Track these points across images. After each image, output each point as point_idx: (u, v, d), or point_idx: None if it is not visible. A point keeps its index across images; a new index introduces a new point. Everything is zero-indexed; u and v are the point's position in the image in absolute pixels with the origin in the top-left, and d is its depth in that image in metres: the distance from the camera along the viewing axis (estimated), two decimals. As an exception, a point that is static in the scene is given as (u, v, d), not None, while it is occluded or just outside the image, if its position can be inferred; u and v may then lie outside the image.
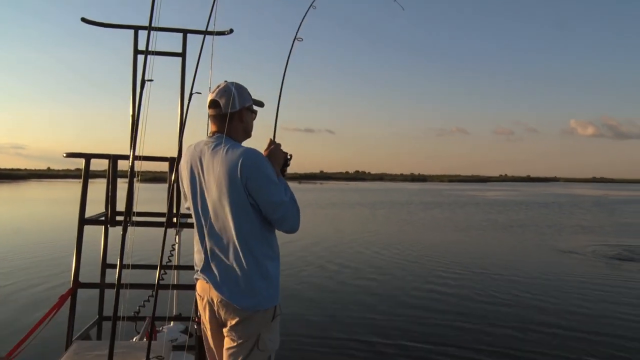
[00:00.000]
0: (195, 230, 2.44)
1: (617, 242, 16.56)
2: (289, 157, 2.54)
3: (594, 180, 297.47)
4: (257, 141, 2.50)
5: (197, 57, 2.60)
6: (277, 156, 2.49)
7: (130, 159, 2.53)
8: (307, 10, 3.27)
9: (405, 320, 7.30)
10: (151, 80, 2.51)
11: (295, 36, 3.12)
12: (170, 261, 3.76)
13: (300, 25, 3.18)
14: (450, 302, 8.47)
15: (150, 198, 7.89)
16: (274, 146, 2.52)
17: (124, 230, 2.50)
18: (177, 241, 4.23)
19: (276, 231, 2.42)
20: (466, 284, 9.94)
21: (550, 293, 9.19)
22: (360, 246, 14.95)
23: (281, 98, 2.54)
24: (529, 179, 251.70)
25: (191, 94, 2.52)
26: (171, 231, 4.24)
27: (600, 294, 9.14)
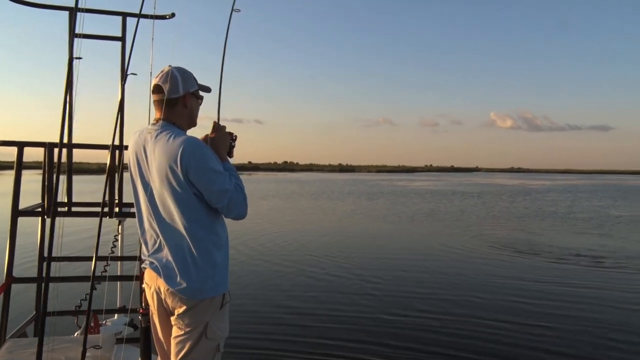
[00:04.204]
0: (138, 219, 2.40)
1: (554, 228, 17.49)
2: (233, 137, 2.52)
3: (512, 170, 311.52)
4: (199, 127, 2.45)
5: (134, 39, 2.51)
6: (222, 140, 2.46)
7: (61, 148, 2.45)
8: None
9: (353, 310, 7.45)
10: (79, 58, 2.42)
11: (233, 7, 3.03)
12: (113, 252, 3.67)
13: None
14: (400, 289, 8.74)
15: (94, 189, 7.62)
16: (218, 129, 2.49)
17: (52, 220, 2.41)
18: (119, 231, 4.12)
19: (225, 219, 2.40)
20: (419, 272, 10.29)
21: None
22: (325, 239, 14.93)
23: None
24: (452, 169, 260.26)
25: (126, 75, 2.44)
26: (115, 221, 4.13)
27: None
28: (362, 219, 20.73)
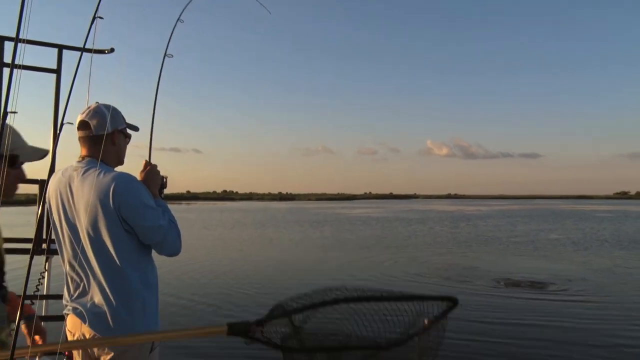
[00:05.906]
0: (62, 261, 2.29)
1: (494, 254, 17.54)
2: (165, 179, 2.48)
3: (449, 196, 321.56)
4: (132, 163, 2.45)
5: (73, 76, 2.29)
6: (154, 178, 2.40)
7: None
8: (175, 26, 3.27)
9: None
10: (15, 112, 2.19)
11: (165, 53, 3.11)
12: (38, 290, 3.38)
13: (169, 41, 3.17)
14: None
15: (13, 221, 6.91)
16: (150, 167, 2.42)
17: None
18: (46, 268, 3.69)
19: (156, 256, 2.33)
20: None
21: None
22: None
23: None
24: (391, 196, 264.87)
25: (62, 124, 2.14)
26: (41, 258, 3.67)
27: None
28: (310, 247, 20.30)
